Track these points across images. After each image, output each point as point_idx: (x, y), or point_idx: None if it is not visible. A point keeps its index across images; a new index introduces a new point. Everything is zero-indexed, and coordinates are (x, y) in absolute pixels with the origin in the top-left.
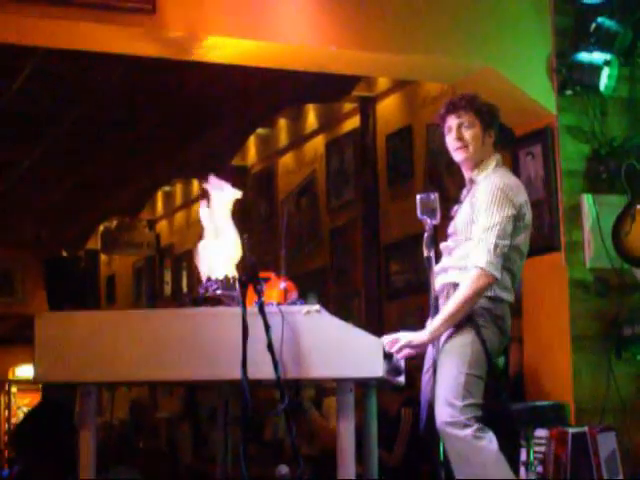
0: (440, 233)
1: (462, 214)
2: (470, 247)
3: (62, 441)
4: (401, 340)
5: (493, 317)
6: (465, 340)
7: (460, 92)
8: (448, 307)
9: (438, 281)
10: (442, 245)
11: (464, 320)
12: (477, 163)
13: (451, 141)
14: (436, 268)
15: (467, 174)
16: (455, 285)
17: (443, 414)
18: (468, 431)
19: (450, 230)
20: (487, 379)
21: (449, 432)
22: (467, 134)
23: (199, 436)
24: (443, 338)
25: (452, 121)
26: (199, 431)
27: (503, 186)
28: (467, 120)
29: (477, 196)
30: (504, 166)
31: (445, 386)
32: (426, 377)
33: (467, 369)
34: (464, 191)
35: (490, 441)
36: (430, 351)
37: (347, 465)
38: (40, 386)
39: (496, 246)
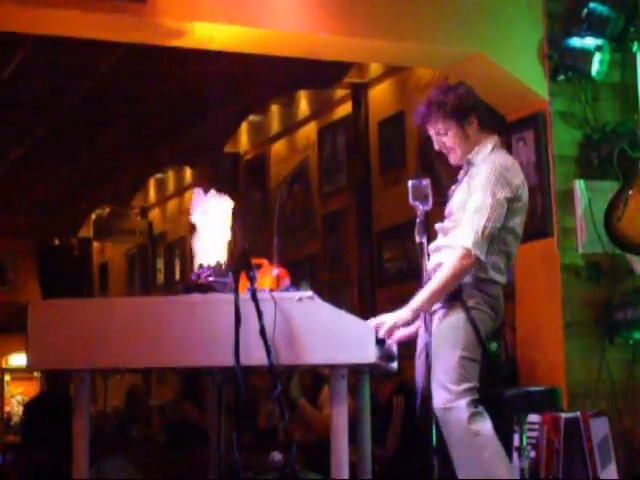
0: (432, 219)
1: (458, 195)
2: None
3: (63, 429)
4: (386, 323)
5: (485, 297)
6: (456, 323)
7: (451, 79)
8: (430, 285)
9: (431, 260)
10: (437, 225)
11: (455, 302)
12: (472, 148)
13: (436, 146)
14: (430, 247)
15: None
16: None
17: (439, 399)
18: (464, 417)
19: (447, 211)
20: (481, 362)
21: (446, 417)
22: (446, 140)
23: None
24: (435, 322)
25: (430, 131)
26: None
27: (500, 168)
28: (441, 127)
29: (474, 177)
30: (502, 148)
31: (440, 371)
32: (419, 362)
33: (460, 352)
34: (461, 172)
35: (486, 426)
36: (421, 335)
37: (340, 452)
38: (34, 374)
39: (485, 228)
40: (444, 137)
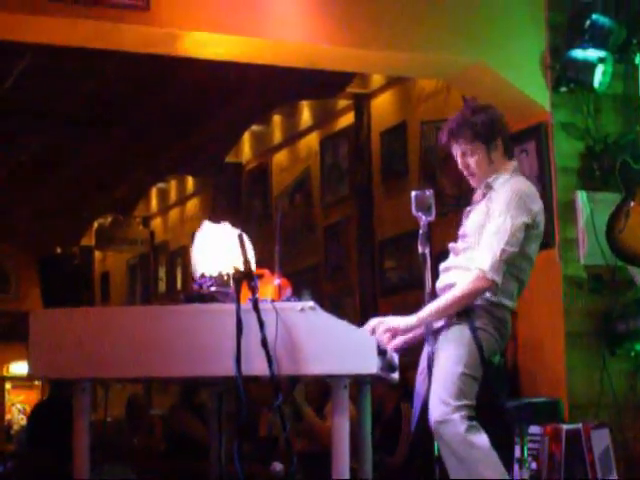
0: (435, 230)
1: (474, 217)
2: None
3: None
4: (386, 322)
5: (493, 320)
6: (462, 340)
7: (453, 89)
8: (442, 300)
9: (441, 280)
10: (450, 245)
11: (462, 321)
12: (493, 173)
13: (460, 167)
14: (441, 267)
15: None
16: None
17: (436, 412)
18: (461, 430)
19: (461, 232)
20: (482, 380)
21: (442, 430)
22: (471, 161)
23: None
24: (440, 338)
25: (455, 149)
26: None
27: (520, 193)
28: (469, 148)
29: (493, 201)
30: (520, 174)
31: (440, 385)
32: (420, 378)
33: (462, 369)
34: (478, 195)
35: (482, 439)
36: (425, 351)
37: (341, 462)
38: (35, 383)
39: (503, 252)
40: (469, 159)
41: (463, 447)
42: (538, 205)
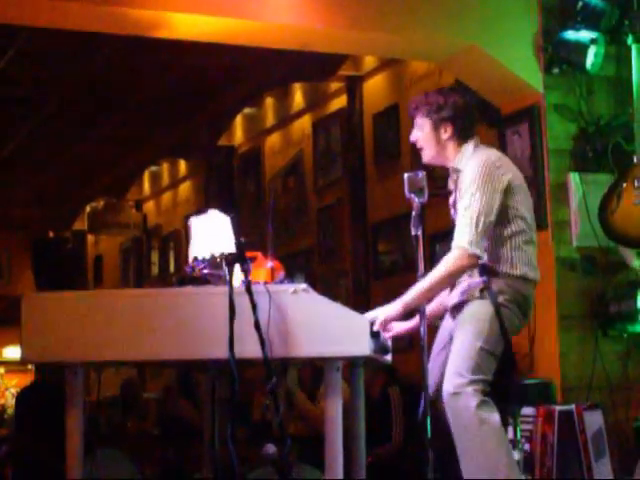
0: (428, 212)
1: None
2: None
3: (55, 421)
4: (378, 318)
5: (517, 295)
6: (484, 316)
7: (446, 71)
8: (425, 282)
9: None
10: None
11: (485, 296)
12: (451, 156)
13: (411, 138)
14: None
15: (448, 166)
16: None
17: (451, 384)
18: (473, 403)
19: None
20: (501, 357)
21: (454, 403)
22: (419, 137)
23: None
24: (461, 313)
25: (414, 122)
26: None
27: (485, 164)
28: (417, 123)
29: (464, 181)
30: (482, 145)
31: (457, 357)
32: (436, 350)
33: (482, 343)
34: (450, 182)
35: (494, 417)
36: (444, 327)
37: (334, 444)
38: (28, 367)
39: (477, 223)
40: (419, 132)
41: (474, 421)
42: (506, 168)
